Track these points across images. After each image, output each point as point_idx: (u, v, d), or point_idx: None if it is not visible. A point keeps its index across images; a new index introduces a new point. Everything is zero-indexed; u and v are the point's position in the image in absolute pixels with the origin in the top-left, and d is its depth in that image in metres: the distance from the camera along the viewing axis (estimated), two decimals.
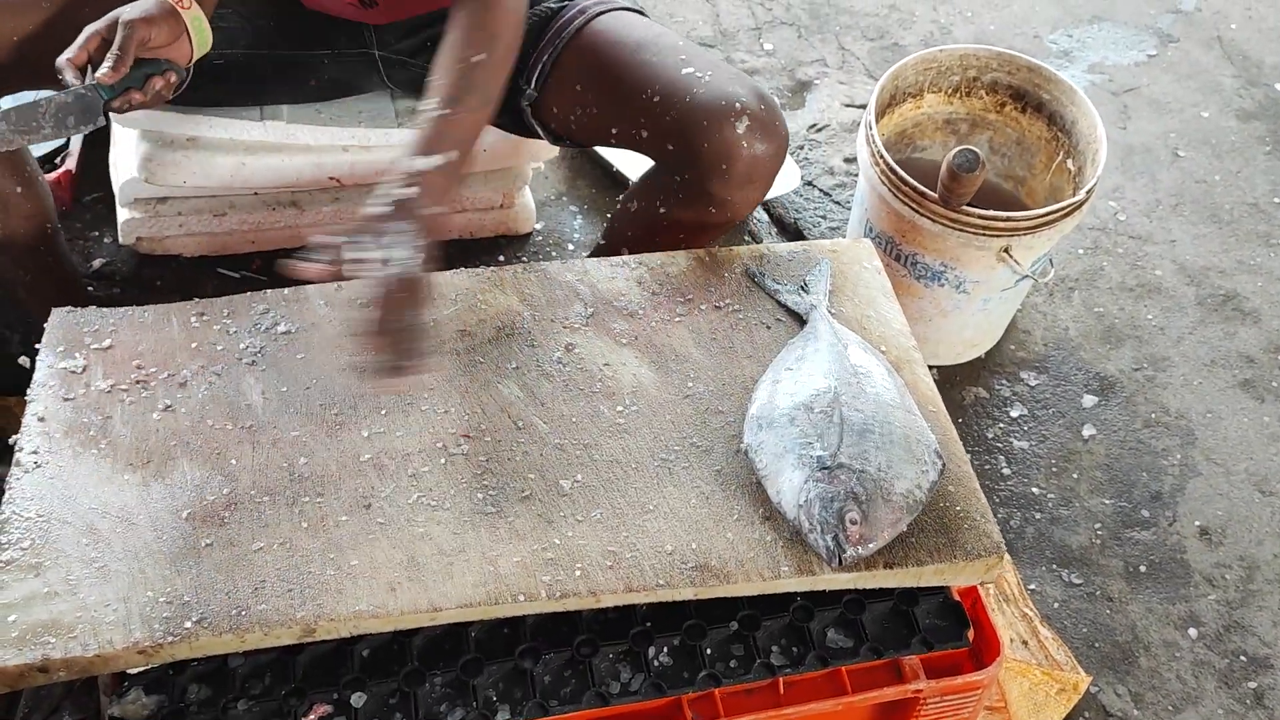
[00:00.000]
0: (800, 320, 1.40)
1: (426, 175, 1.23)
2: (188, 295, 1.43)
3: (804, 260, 1.48)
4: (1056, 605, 1.71)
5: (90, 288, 1.87)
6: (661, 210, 1.52)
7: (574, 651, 1.16)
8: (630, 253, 1.59)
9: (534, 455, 1.25)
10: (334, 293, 1.41)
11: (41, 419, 1.26)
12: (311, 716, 1.11)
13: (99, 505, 1.19)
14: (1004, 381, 1.98)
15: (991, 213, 1.68)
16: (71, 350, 1.34)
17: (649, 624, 1.19)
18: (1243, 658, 1.67)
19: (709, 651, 1.18)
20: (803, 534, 1.17)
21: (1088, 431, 1.92)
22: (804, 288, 1.43)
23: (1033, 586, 1.73)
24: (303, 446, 1.25)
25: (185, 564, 1.14)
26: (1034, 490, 1.84)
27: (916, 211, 1.73)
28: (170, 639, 1.08)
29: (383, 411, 1.29)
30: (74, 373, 1.31)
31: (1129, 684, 1.63)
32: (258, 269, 1.91)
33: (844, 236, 2.08)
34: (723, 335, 1.39)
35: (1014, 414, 1.93)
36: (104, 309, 1.40)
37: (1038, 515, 1.81)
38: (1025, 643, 1.65)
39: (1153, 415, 1.95)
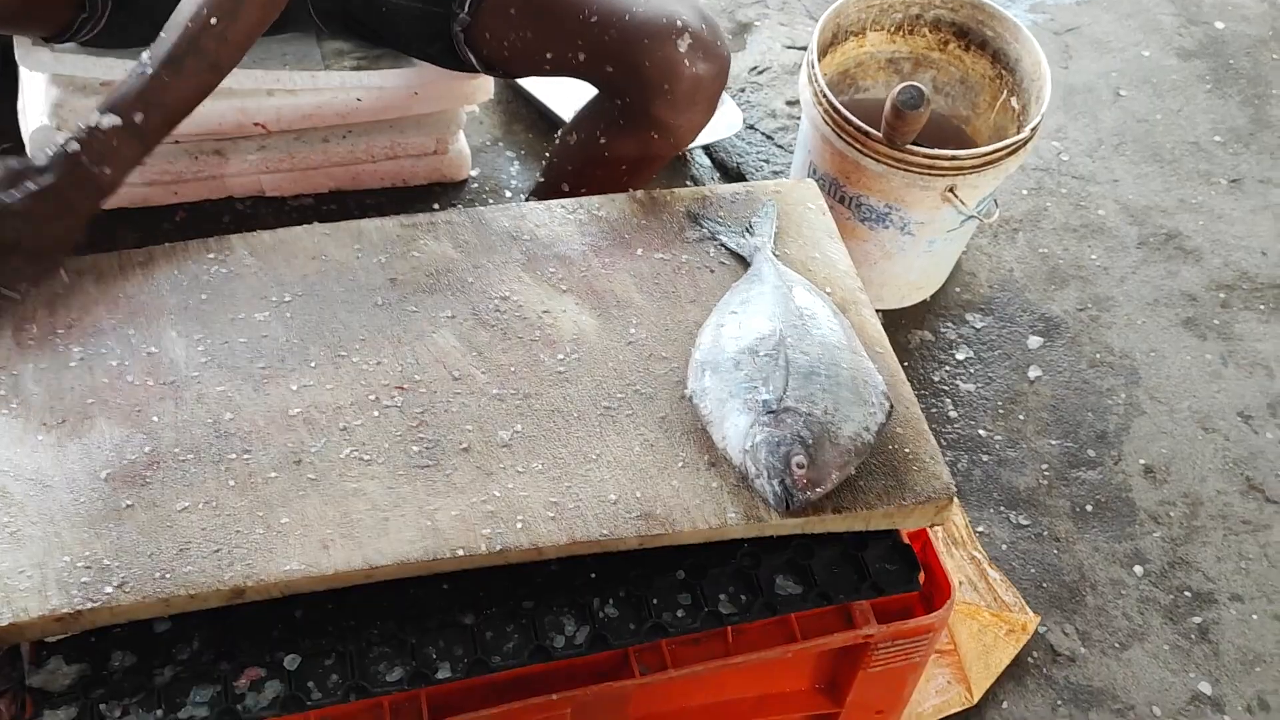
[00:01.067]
0: (745, 263, 1.36)
1: (105, 132, 1.24)
2: (107, 248, 1.36)
3: (747, 202, 1.44)
4: (1005, 547, 1.70)
5: None
6: (602, 140, 1.47)
7: (517, 606, 1.13)
8: (570, 189, 1.55)
9: (471, 406, 1.21)
10: (260, 242, 1.35)
11: None
12: (243, 680, 1.07)
13: (10, 468, 1.13)
14: (949, 324, 1.96)
15: (936, 151, 1.65)
16: None
17: (593, 575, 1.16)
18: (1187, 593, 1.67)
19: (655, 602, 1.15)
20: (749, 479, 1.14)
21: (1033, 373, 1.91)
22: (748, 230, 1.40)
23: (981, 529, 1.72)
24: (228, 402, 1.20)
25: (105, 527, 1.08)
26: (981, 432, 1.83)
27: (860, 152, 1.69)
28: (89, 605, 1.03)
29: (312, 364, 1.24)
30: None
31: (1076, 622, 1.63)
32: (183, 220, 1.84)
33: (790, 173, 2.04)
34: (665, 279, 1.35)
35: (960, 356, 1.92)
36: None
37: (985, 457, 1.80)
38: (974, 585, 1.64)
39: (1097, 355, 1.95)
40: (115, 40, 1.60)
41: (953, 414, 1.84)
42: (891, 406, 1.20)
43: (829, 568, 1.19)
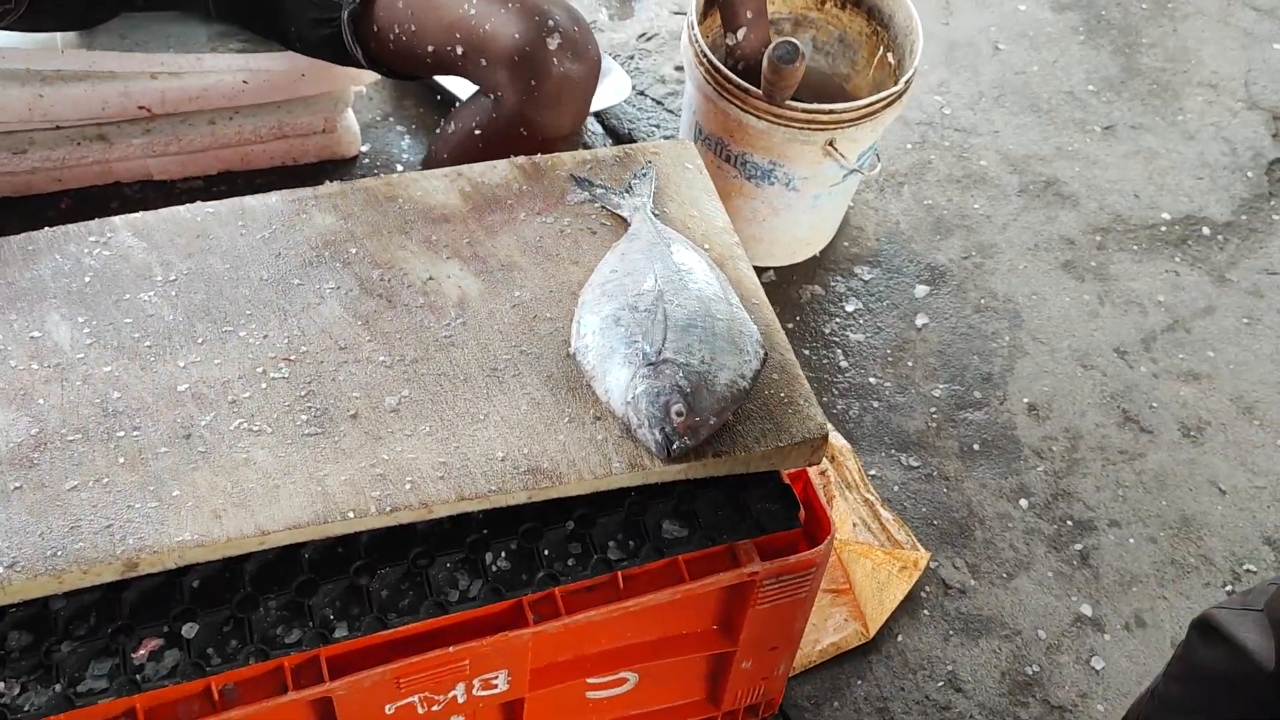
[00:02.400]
0: (626, 224, 1.40)
1: None
2: None
3: (628, 163, 1.48)
4: (897, 488, 1.77)
5: None
6: (477, 132, 1.50)
7: (410, 564, 1.16)
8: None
9: (358, 374, 1.23)
10: (144, 223, 1.36)
11: None
12: (142, 651, 1.09)
13: None
14: (839, 278, 2.02)
15: (814, 106, 1.70)
16: None
17: (485, 531, 1.19)
18: (1069, 522, 1.75)
19: (546, 552, 1.19)
20: (632, 430, 1.18)
21: (920, 321, 1.97)
22: (628, 190, 1.43)
23: (873, 472, 1.78)
24: (115, 381, 1.21)
25: None
26: (871, 380, 1.89)
27: (742, 109, 1.74)
28: None
29: (199, 341, 1.25)
30: None
31: (966, 556, 1.70)
32: (67, 208, 1.83)
33: (678, 135, 2.08)
34: (549, 242, 1.38)
35: (849, 308, 1.98)
36: None
37: (875, 404, 1.86)
38: (868, 526, 1.70)
39: (982, 300, 2.02)
40: (27, 25, 1.59)
41: (844, 364, 1.90)
42: (766, 354, 1.25)
43: (713, 510, 1.24)
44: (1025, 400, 1.89)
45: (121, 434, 1.16)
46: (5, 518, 1.09)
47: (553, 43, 1.38)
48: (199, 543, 1.09)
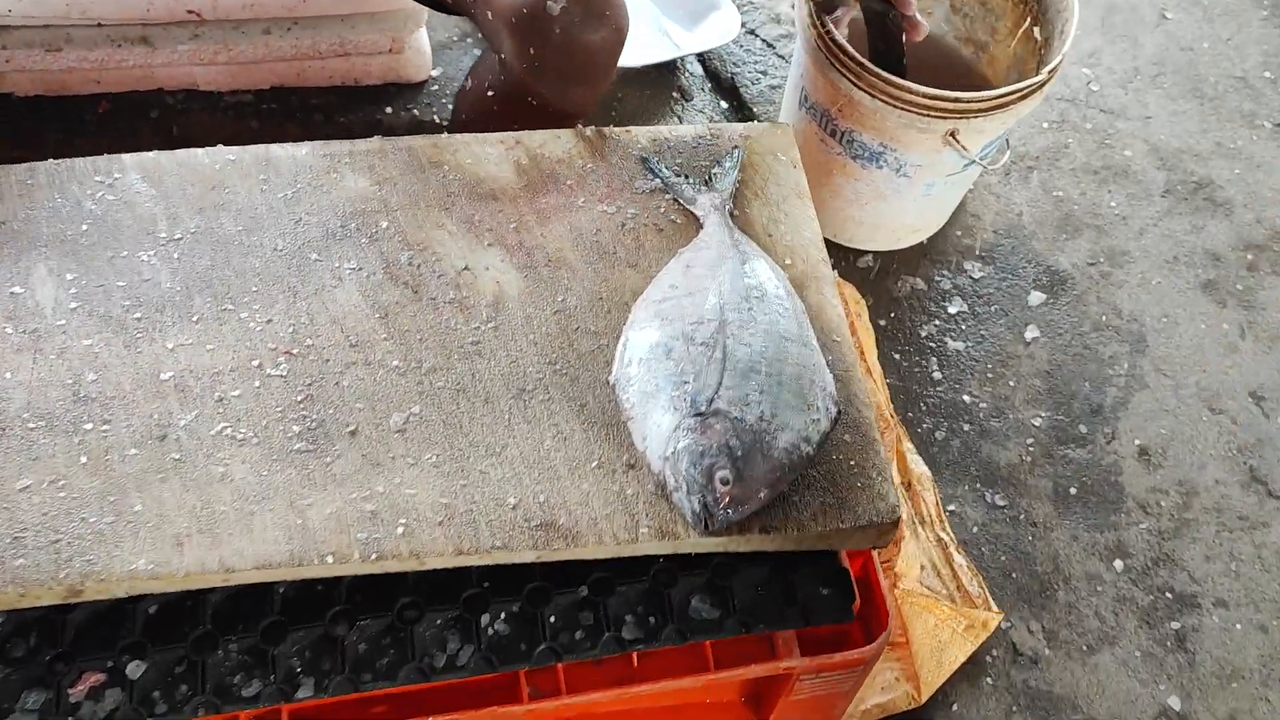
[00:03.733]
0: (697, 225, 1.20)
1: None
2: (24, 140, 1.21)
3: (711, 147, 1.27)
4: (976, 530, 1.57)
5: None
6: (490, 94, 1.30)
7: (395, 617, 1.01)
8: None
9: (366, 380, 1.07)
10: (156, 165, 1.20)
11: None
12: (80, 686, 0.96)
13: None
14: (945, 272, 1.80)
15: (937, 92, 1.46)
16: None
17: (486, 584, 1.04)
18: (1168, 595, 1.54)
19: (553, 620, 1.03)
20: (667, 491, 1.01)
21: (1031, 333, 1.75)
22: (707, 182, 1.23)
23: (952, 508, 1.59)
24: (94, 359, 1.06)
25: None
26: (965, 398, 1.68)
27: (854, 84, 1.51)
28: None
29: (194, 318, 1.10)
30: None
31: (1044, 620, 1.51)
32: (106, 113, 1.67)
33: (784, 95, 1.85)
34: (606, 237, 1.19)
35: (952, 310, 1.76)
36: None
37: (966, 427, 1.66)
38: (937, 570, 1.52)
39: (1103, 317, 1.78)
40: None
41: (937, 375, 1.69)
42: (839, 413, 1.06)
43: (752, 590, 1.06)
44: (1137, 442, 1.67)
45: (89, 426, 1.02)
46: None
47: (556, 4, 1.16)
48: (153, 574, 0.95)
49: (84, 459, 1.00)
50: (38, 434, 1.01)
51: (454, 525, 0.99)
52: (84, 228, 1.15)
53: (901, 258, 1.80)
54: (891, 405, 1.63)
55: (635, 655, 1.04)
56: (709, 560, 1.06)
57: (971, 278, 1.79)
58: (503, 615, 1.03)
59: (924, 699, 1.42)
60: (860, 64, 1.48)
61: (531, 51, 1.17)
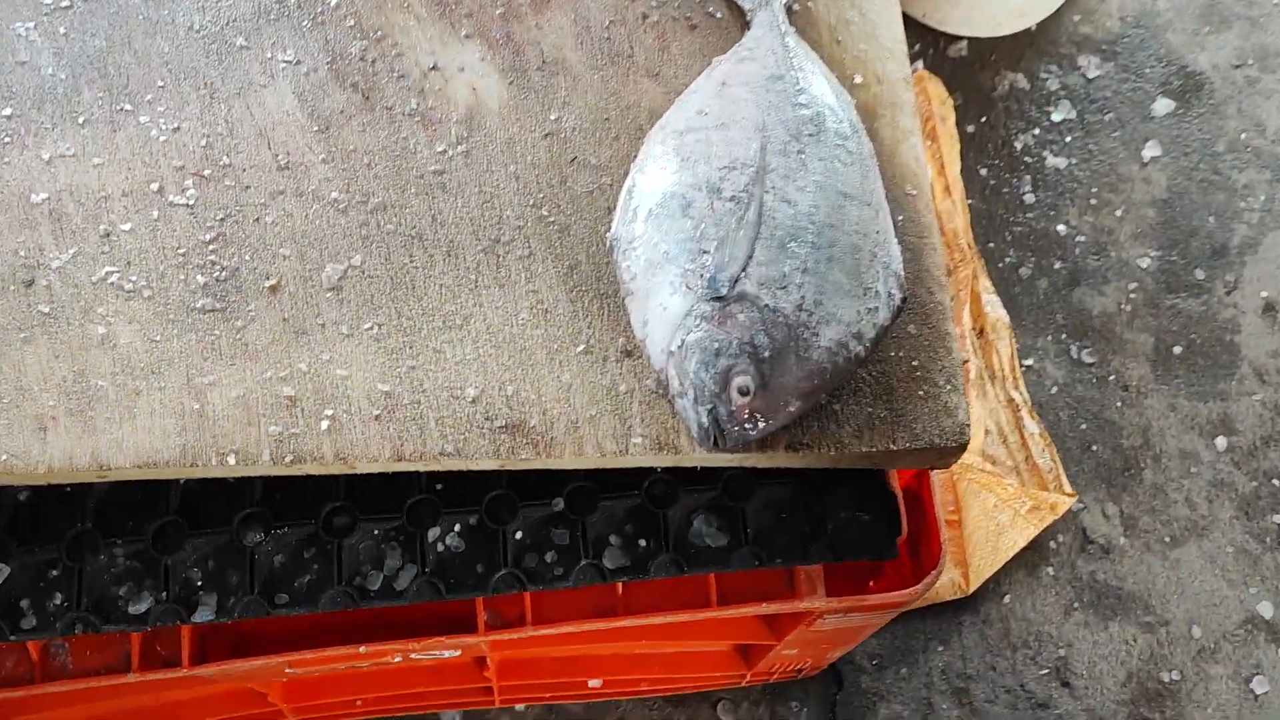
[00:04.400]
0: (743, 24, 0.91)
1: None
2: None
3: None
4: (1055, 390, 1.34)
5: None
6: None
7: (320, 526, 0.81)
8: None
9: (295, 216, 0.83)
10: None
11: None
12: None
13: None
14: (1054, 68, 1.48)
15: None
16: None
17: (438, 488, 0.83)
18: (1275, 481, 1.31)
19: (519, 536, 0.83)
20: (669, 394, 0.78)
21: (1150, 151, 1.44)
22: None
23: (1030, 361, 1.35)
24: None
25: None
26: (1060, 228, 1.40)
27: None
28: None
29: (80, 119, 0.85)
30: None
31: (1123, 503, 1.30)
32: None
33: None
34: (622, 32, 0.91)
35: (1057, 117, 1.45)
36: None
37: (1058, 264, 1.39)
38: (1004, 437, 1.30)
39: (1242, 135, 1.47)
40: None
41: (1029, 198, 1.41)
42: (904, 299, 0.80)
43: (773, 513, 0.85)
44: (1264, 294, 1.39)
45: None
46: None
47: None
48: (7, 467, 0.75)
49: None
50: None
51: (394, 421, 0.78)
52: None
53: (1002, 47, 1.48)
54: (971, 233, 1.36)
55: (620, 585, 0.84)
56: (719, 474, 0.84)
57: (1085, 77, 1.47)
58: (456, 529, 0.83)
59: (971, 589, 1.23)
60: None
61: None
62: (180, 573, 0.80)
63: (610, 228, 0.82)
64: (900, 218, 0.86)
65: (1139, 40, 1.49)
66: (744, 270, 0.77)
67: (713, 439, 0.76)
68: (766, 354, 0.76)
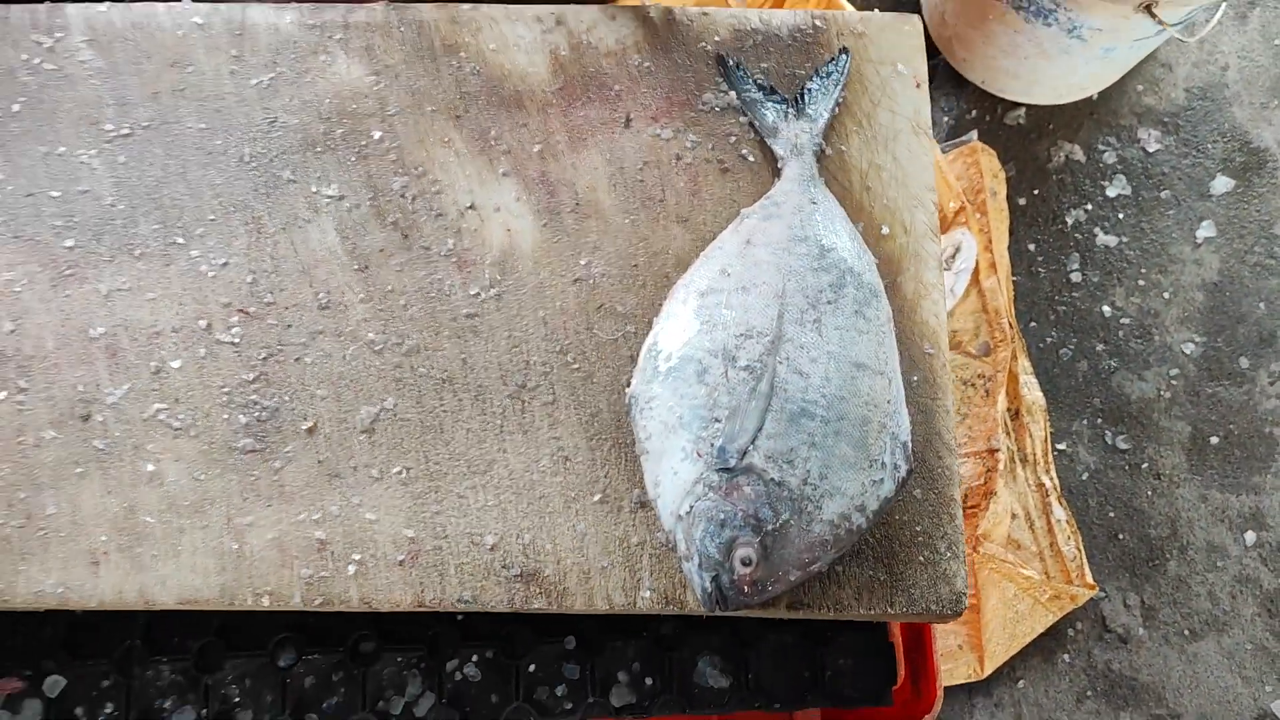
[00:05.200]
0: (774, 170, 0.93)
1: None
2: None
3: (813, 44, 0.97)
4: (1086, 476, 1.35)
5: None
6: None
7: (348, 653, 0.87)
8: None
9: (334, 357, 0.88)
10: (109, 27, 0.96)
11: None
12: None
13: None
14: (1112, 139, 1.46)
15: None
16: None
17: (459, 618, 0.88)
18: None
19: (532, 669, 0.88)
20: (675, 555, 0.82)
21: (1204, 232, 1.43)
22: (797, 104, 0.94)
23: (1063, 445, 1.36)
24: (13, 300, 0.88)
25: None
26: (1105, 309, 1.40)
27: None
28: None
29: (136, 252, 0.90)
30: None
31: (1145, 593, 1.31)
32: None
33: None
34: (653, 175, 0.93)
35: (1112, 193, 1.44)
36: None
37: (1099, 346, 1.39)
38: (1030, 523, 1.31)
39: None
40: None
41: (1076, 276, 1.41)
42: (910, 471, 0.83)
43: (773, 659, 0.89)
44: None
45: (2, 395, 0.86)
46: None
47: None
48: (63, 598, 0.82)
49: None
50: None
51: (417, 568, 0.83)
52: (15, 108, 0.94)
53: (1061, 116, 1.47)
54: (1013, 311, 1.37)
55: None
56: (725, 620, 0.88)
57: (1144, 150, 1.46)
58: (474, 659, 0.88)
59: (986, 673, 1.26)
60: None
61: None
62: (219, 690, 0.86)
63: (630, 384, 0.86)
64: (915, 378, 0.88)
65: (1203, 113, 1.47)
66: (753, 443, 0.80)
67: (715, 603, 0.80)
68: (770, 527, 0.79)
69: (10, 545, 0.82)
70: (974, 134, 1.41)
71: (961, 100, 1.46)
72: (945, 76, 1.42)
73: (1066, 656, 1.29)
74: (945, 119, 1.43)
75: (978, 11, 1.31)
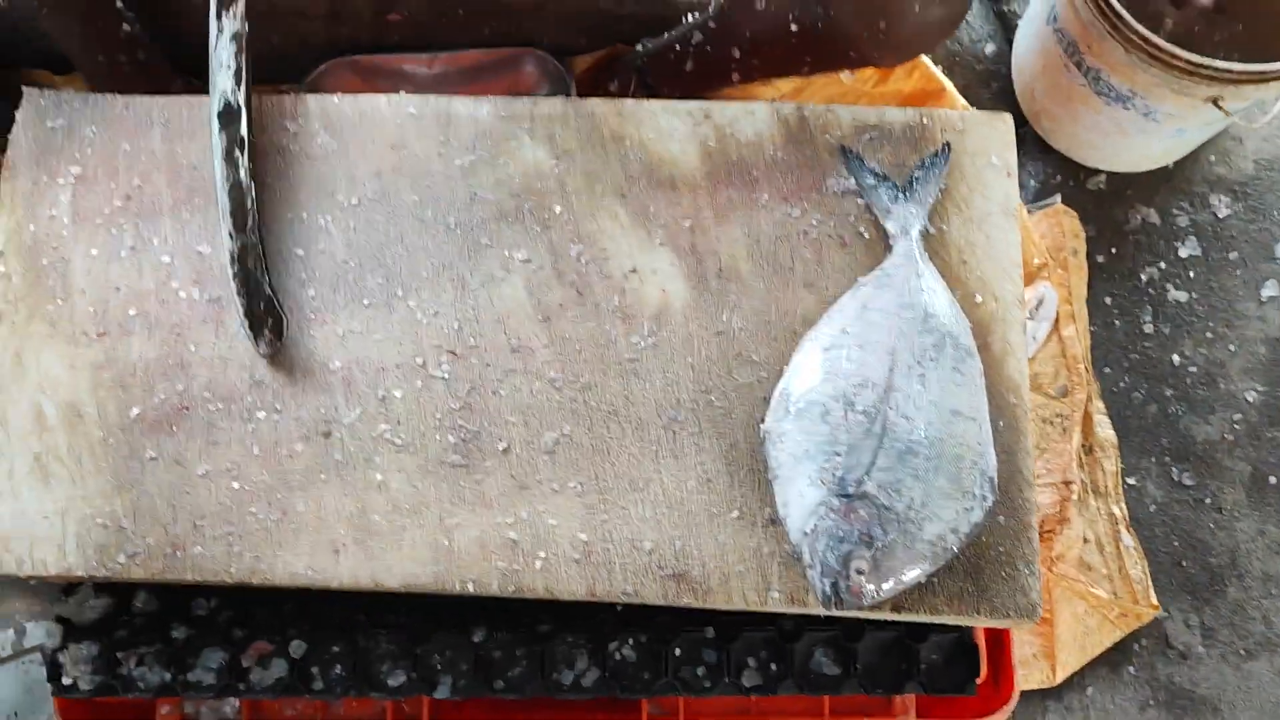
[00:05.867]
0: (886, 245, 1.11)
1: None
2: None
3: (921, 137, 1.16)
4: (1153, 508, 1.51)
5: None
6: (794, 29, 1.18)
7: (530, 630, 1.07)
8: (741, 58, 1.27)
9: (523, 391, 1.08)
10: (340, 115, 1.18)
11: (1, 250, 1.14)
12: (252, 653, 1.08)
13: (49, 383, 1.09)
14: (1185, 205, 1.62)
15: (1202, 60, 1.27)
16: (44, 151, 1.17)
17: (619, 608, 1.08)
18: None
19: (678, 652, 1.07)
20: (799, 564, 1.01)
21: (1268, 291, 1.58)
22: (906, 189, 1.13)
23: (1132, 480, 1.52)
24: None
25: (127, 478, 1.06)
26: (1174, 358, 1.56)
27: (1109, 33, 1.32)
28: (102, 572, 1.03)
29: (365, 302, 1.11)
30: (39, 184, 1.16)
31: (1204, 615, 1.47)
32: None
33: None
34: (785, 247, 1.13)
35: (1184, 253, 1.60)
36: (85, 95, 1.21)
37: (1168, 391, 1.55)
38: (1100, 548, 1.48)
39: None
40: None
41: (1148, 328, 1.57)
42: (994, 500, 1.01)
43: (877, 652, 1.07)
44: None
45: (262, 415, 1.08)
46: (136, 495, 1.05)
47: None
48: (312, 579, 1.03)
49: (256, 450, 1.06)
50: (217, 417, 1.07)
51: (589, 565, 1.03)
52: (269, 180, 1.16)
53: (1139, 182, 1.63)
54: (1090, 358, 1.53)
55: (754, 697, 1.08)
56: (837, 620, 1.07)
57: (1215, 215, 1.61)
58: (630, 642, 1.08)
59: (1058, 681, 1.43)
60: (1117, 14, 1.29)
61: (881, 25, 1.06)
62: (426, 659, 1.07)
63: (765, 420, 1.05)
64: (1000, 423, 1.06)
65: (1270, 183, 1.62)
66: (867, 474, 0.99)
67: (831, 603, 0.99)
68: (880, 544, 0.98)
69: (270, 535, 1.04)
70: (1058, 197, 1.58)
71: (1047, 165, 1.63)
72: (1033, 144, 1.59)
73: (1131, 669, 1.45)
74: (1032, 182, 1.60)
75: (1064, 94, 1.48)
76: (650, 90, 1.35)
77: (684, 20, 1.40)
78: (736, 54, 1.31)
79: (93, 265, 1.13)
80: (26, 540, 1.04)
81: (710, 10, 1.36)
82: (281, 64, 1.58)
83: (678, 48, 1.38)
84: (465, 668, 1.07)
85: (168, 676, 1.06)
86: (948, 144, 1.15)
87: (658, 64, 1.33)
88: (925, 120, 1.17)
